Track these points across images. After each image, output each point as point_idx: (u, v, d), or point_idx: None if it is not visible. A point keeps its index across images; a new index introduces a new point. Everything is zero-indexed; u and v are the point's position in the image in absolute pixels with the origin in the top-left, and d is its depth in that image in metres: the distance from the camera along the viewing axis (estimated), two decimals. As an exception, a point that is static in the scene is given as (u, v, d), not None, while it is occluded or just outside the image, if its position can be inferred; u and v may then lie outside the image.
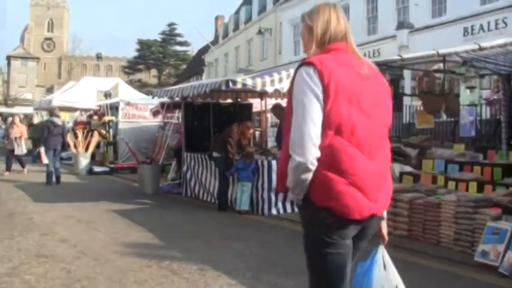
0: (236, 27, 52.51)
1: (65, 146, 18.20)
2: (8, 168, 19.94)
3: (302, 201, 3.12)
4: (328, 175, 2.97)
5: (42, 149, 17.55)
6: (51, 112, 18.96)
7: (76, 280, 6.51)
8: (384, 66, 11.43)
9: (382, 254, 3.51)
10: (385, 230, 3.48)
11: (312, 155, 2.93)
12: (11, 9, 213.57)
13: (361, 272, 3.46)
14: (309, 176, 2.97)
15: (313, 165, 2.95)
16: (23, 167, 20.42)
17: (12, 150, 19.99)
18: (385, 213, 3.36)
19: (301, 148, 2.95)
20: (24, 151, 20.73)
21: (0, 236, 8.98)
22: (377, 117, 3.18)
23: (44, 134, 17.43)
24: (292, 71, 11.94)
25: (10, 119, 26.53)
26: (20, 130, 20.60)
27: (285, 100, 14.32)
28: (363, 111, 3.07)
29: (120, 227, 10.13)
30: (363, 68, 3.21)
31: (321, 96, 2.97)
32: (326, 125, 2.98)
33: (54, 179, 17.10)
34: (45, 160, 16.73)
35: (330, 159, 2.97)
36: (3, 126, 31.95)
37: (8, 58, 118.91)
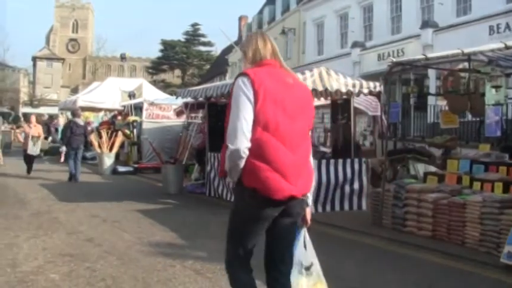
0: (260, 27, 52.41)
1: (87, 145, 18.85)
2: (30, 168, 19.26)
3: (236, 183, 3.88)
4: (256, 163, 3.74)
5: (63, 148, 18.10)
6: (74, 113, 19.45)
7: (100, 279, 6.54)
8: (408, 66, 11.37)
9: (304, 236, 4.33)
10: (309, 215, 4.23)
11: (244, 145, 3.70)
12: (36, 11, 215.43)
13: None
14: (242, 162, 3.74)
15: (244, 153, 3.71)
16: (29, 170, 19.14)
17: (26, 151, 19.44)
18: (310, 202, 4.16)
19: (235, 139, 3.72)
20: (38, 151, 20.10)
21: (26, 234, 9.06)
22: (299, 119, 3.94)
23: (67, 134, 18.06)
24: (316, 71, 11.93)
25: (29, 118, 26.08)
26: (37, 130, 20.03)
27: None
28: (286, 112, 3.84)
29: (144, 226, 10.17)
30: (288, 78, 4.01)
31: (252, 99, 3.76)
32: (256, 122, 3.75)
33: (74, 176, 17.85)
34: (63, 159, 16.95)
35: (258, 150, 3.74)
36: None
37: (34, 59, 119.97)
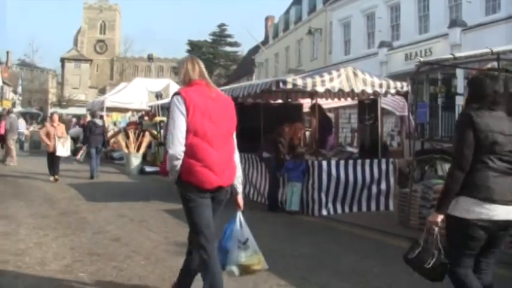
0: (286, 28, 52.46)
1: (105, 144, 19.37)
2: (55, 173, 17.57)
3: (177, 179, 5.02)
4: (190, 161, 4.89)
5: (84, 147, 18.56)
6: (93, 114, 20.63)
7: (127, 278, 6.59)
8: (436, 66, 11.28)
9: (239, 217, 5.60)
10: (241, 200, 5.59)
11: (179, 149, 4.86)
12: (64, 13, 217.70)
13: (227, 227, 5.64)
14: (179, 162, 4.89)
15: (180, 155, 4.88)
16: (55, 173, 17.57)
17: (53, 153, 17.56)
18: (240, 190, 5.57)
19: (173, 145, 4.88)
20: (68, 153, 18.61)
21: (54, 234, 9.15)
22: (222, 125, 5.12)
23: (87, 134, 19.34)
24: (342, 71, 11.90)
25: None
26: (61, 129, 18.22)
27: (329, 101, 14.18)
28: (212, 121, 5.00)
29: (171, 226, 10.20)
30: (212, 94, 5.17)
31: (184, 113, 4.89)
32: (188, 130, 4.89)
33: (93, 173, 18.58)
34: (78, 156, 16.96)
35: (191, 151, 4.89)
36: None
37: (62, 60, 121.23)
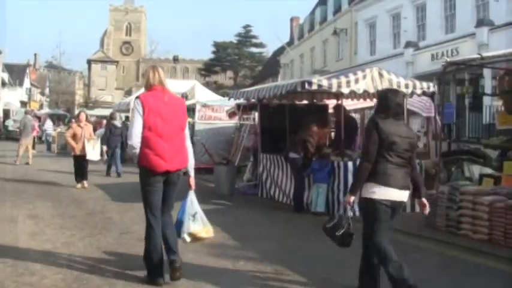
0: (311, 28, 52.35)
1: (123, 145, 19.48)
2: (83, 178, 16.12)
3: (137, 164, 6.46)
4: (145, 150, 6.31)
5: (104, 148, 18.67)
6: (112, 116, 21.22)
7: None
8: (463, 66, 11.19)
9: (191, 195, 6.96)
10: (192, 182, 6.99)
11: (135, 140, 6.31)
12: (91, 15, 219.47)
13: (182, 204, 6.94)
14: (136, 151, 6.33)
15: (136, 145, 6.31)
16: (83, 178, 16.11)
17: (82, 156, 16.04)
18: (192, 174, 6.96)
19: (131, 138, 6.33)
20: (99, 156, 17.30)
21: (81, 234, 9.22)
22: (173, 123, 6.46)
23: (106, 135, 19.70)
24: (368, 71, 11.85)
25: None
26: (88, 130, 16.62)
27: (354, 101, 14.08)
28: (163, 119, 6.36)
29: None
30: (165, 98, 6.50)
31: (141, 113, 6.31)
32: (144, 126, 6.29)
33: (115, 173, 19.07)
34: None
35: (146, 142, 6.30)
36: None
37: (89, 62, 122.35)
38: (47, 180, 17.52)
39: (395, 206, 6.01)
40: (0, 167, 22.18)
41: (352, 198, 6.23)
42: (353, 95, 13.13)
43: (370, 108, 19.52)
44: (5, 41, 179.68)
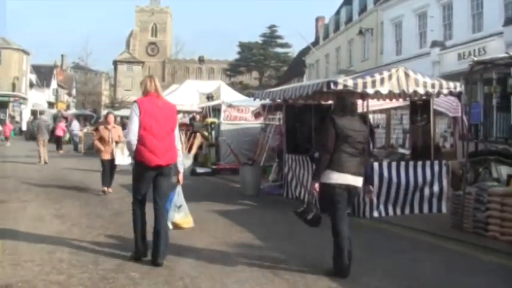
0: (337, 28, 52.17)
1: None
2: (109, 184, 15.10)
3: (133, 159, 7.47)
4: (140, 147, 7.26)
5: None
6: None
7: (179, 278, 6.65)
8: (490, 65, 11.08)
9: (178, 189, 7.98)
10: (181, 177, 7.96)
11: (133, 138, 7.26)
12: (117, 16, 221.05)
13: (170, 196, 7.85)
14: (133, 147, 7.28)
15: (134, 143, 7.25)
16: (109, 185, 15.04)
17: (111, 161, 15.06)
18: (181, 170, 7.95)
19: (129, 136, 7.30)
20: (129, 160, 12.92)
21: (107, 233, 9.30)
22: (165, 124, 7.44)
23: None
24: (394, 71, 11.76)
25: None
26: (117, 132, 15.38)
27: (380, 102, 13.96)
28: (156, 121, 7.33)
29: (222, 227, 10.27)
30: (159, 103, 7.52)
31: (138, 115, 7.28)
32: (140, 126, 7.25)
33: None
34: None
35: (141, 141, 7.24)
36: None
37: (115, 63, 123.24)
38: (74, 180, 17.68)
39: (350, 190, 7.15)
40: (28, 167, 22.41)
41: (317, 185, 7.16)
42: (378, 95, 13.04)
43: (396, 108, 19.43)
44: (32, 43, 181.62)
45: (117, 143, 15.02)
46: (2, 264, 7.16)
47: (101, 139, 15.18)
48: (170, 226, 7.85)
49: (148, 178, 7.48)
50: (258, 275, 6.92)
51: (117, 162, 15.08)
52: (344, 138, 6.99)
